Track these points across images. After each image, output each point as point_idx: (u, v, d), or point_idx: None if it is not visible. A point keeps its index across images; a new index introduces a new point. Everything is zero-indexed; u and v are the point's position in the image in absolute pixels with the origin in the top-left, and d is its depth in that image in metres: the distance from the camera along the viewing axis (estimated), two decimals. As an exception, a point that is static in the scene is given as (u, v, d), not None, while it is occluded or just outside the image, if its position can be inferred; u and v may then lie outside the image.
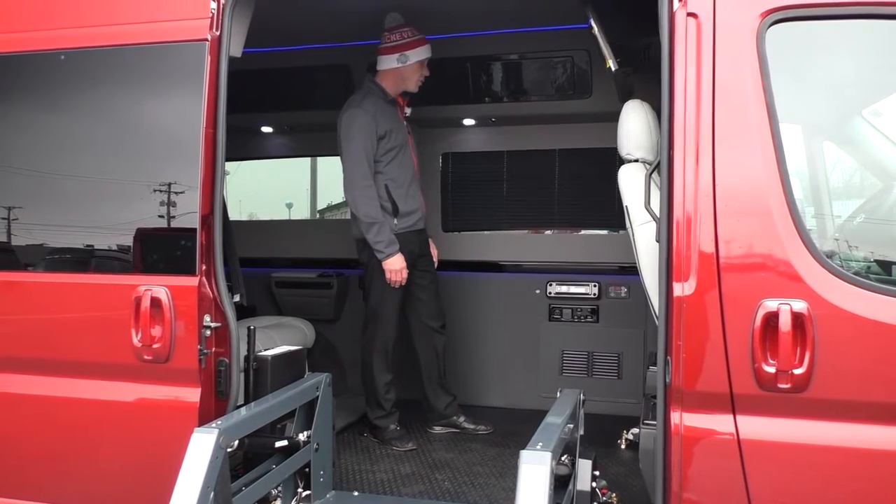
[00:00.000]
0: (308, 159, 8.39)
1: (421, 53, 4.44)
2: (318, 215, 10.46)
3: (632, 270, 4.56)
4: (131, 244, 3.13)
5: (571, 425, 2.91)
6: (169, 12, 3.08)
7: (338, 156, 4.42)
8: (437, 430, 4.72)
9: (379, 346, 4.48)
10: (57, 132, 3.26)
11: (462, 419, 4.73)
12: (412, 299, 4.61)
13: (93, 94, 3.20)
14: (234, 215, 4.20)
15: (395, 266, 4.29)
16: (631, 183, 3.06)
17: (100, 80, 3.18)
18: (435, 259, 4.79)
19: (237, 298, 3.20)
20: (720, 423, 2.46)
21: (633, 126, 3.12)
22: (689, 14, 2.50)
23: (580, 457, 2.97)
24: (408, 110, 4.59)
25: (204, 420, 2.90)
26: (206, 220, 3.00)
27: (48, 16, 3.28)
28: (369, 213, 4.26)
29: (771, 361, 2.36)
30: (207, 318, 2.98)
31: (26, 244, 3.30)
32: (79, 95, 3.22)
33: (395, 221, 4.39)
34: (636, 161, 3.13)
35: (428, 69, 4.51)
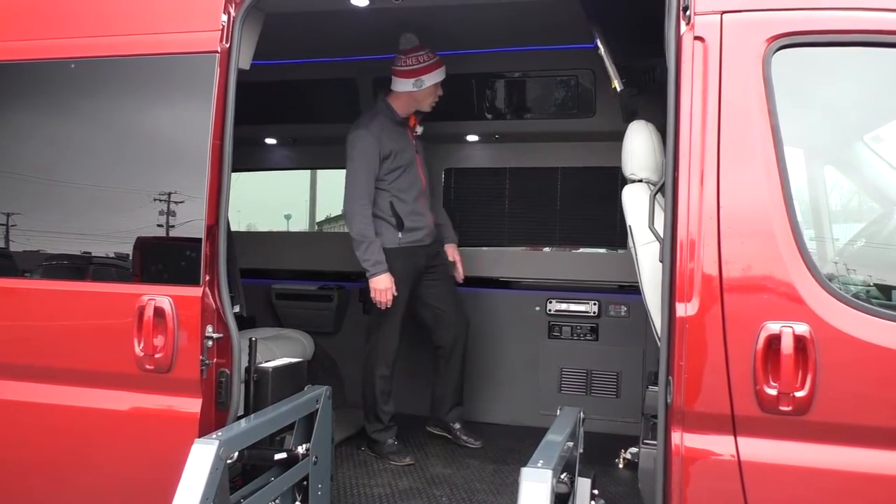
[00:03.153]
0: (307, 171, 8.41)
1: (436, 77, 4.46)
2: (316, 227, 10.47)
3: (632, 289, 4.58)
4: (136, 253, 3.14)
5: (571, 443, 2.91)
6: (180, 24, 3.10)
7: (341, 168, 4.46)
8: (432, 429, 4.81)
9: (379, 358, 4.49)
10: (67, 141, 3.28)
11: (458, 426, 4.78)
12: (428, 308, 4.66)
13: (102, 103, 3.22)
14: (233, 226, 4.21)
15: (380, 285, 4.26)
16: (635, 203, 3.08)
17: (110, 89, 3.20)
18: (460, 268, 4.85)
19: (237, 309, 3.20)
20: (721, 444, 2.46)
21: (638, 146, 3.15)
22: (697, 37, 2.52)
23: (579, 475, 2.96)
24: (419, 129, 4.62)
25: (204, 431, 2.90)
26: (212, 230, 3.01)
27: (57, 25, 3.30)
28: (361, 231, 4.29)
29: (772, 383, 2.37)
30: (210, 328, 2.98)
31: (31, 251, 3.30)
32: (89, 104, 3.24)
33: (400, 235, 4.43)
34: (640, 181, 3.16)
35: (442, 88, 4.53)
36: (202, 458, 2.50)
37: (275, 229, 8.04)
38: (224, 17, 3.02)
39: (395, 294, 4.31)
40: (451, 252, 4.87)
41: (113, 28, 3.20)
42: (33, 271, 3.31)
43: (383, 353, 4.49)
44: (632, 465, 3.02)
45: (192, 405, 2.97)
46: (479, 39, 4.66)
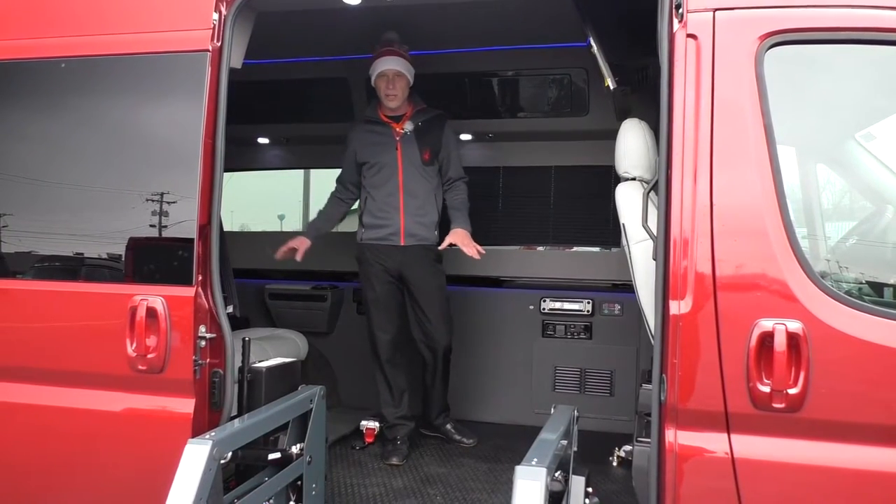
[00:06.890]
0: (301, 171, 8.39)
1: (377, 67, 4.35)
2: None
3: (625, 288, 4.58)
4: (128, 253, 3.12)
5: (565, 442, 2.91)
6: (171, 23, 3.08)
7: (333, 168, 4.48)
8: (425, 431, 4.84)
9: (373, 355, 4.62)
10: (57, 141, 3.26)
11: (449, 427, 4.81)
12: (409, 312, 4.68)
13: (93, 102, 3.20)
14: (226, 226, 4.23)
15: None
16: (628, 201, 3.08)
17: (101, 88, 3.18)
18: (465, 246, 4.26)
19: (230, 309, 3.19)
20: (714, 441, 2.46)
21: (631, 145, 3.15)
22: (689, 35, 2.52)
23: (573, 473, 2.96)
24: (408, 125, 4.45)
25: (197, 431, 2.88)
26: (204, 230, 2.99)
27: (49, 24, 3.28)
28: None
29: (766, 381, 2.37)
30: (203, 328, 2.97)
31: (22, 252, 3.28)
32: (79, 104, 3.21)
33: (363, 230, 4.54)
34: (633, 179, 3.16)
35: (394, 83, 4.33)
36: (195, 458, 2.49)
37: (268, 229, 8.01)
38: (215, 16, 3.01)
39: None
40: (450, 237, 4.35)
41: (103, 27, 3.18)
42: (24, 272, 3.29)
43: (373, 350, 4.61)
44: (626, 463, 3.02)
45: (186, 405, 2.96)
46: (472, 38, 4.66)
